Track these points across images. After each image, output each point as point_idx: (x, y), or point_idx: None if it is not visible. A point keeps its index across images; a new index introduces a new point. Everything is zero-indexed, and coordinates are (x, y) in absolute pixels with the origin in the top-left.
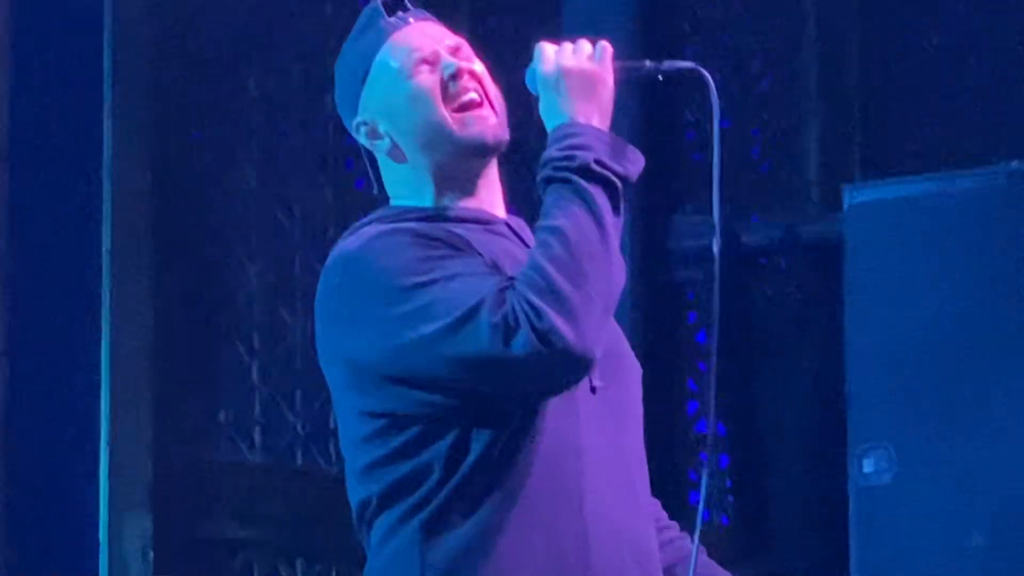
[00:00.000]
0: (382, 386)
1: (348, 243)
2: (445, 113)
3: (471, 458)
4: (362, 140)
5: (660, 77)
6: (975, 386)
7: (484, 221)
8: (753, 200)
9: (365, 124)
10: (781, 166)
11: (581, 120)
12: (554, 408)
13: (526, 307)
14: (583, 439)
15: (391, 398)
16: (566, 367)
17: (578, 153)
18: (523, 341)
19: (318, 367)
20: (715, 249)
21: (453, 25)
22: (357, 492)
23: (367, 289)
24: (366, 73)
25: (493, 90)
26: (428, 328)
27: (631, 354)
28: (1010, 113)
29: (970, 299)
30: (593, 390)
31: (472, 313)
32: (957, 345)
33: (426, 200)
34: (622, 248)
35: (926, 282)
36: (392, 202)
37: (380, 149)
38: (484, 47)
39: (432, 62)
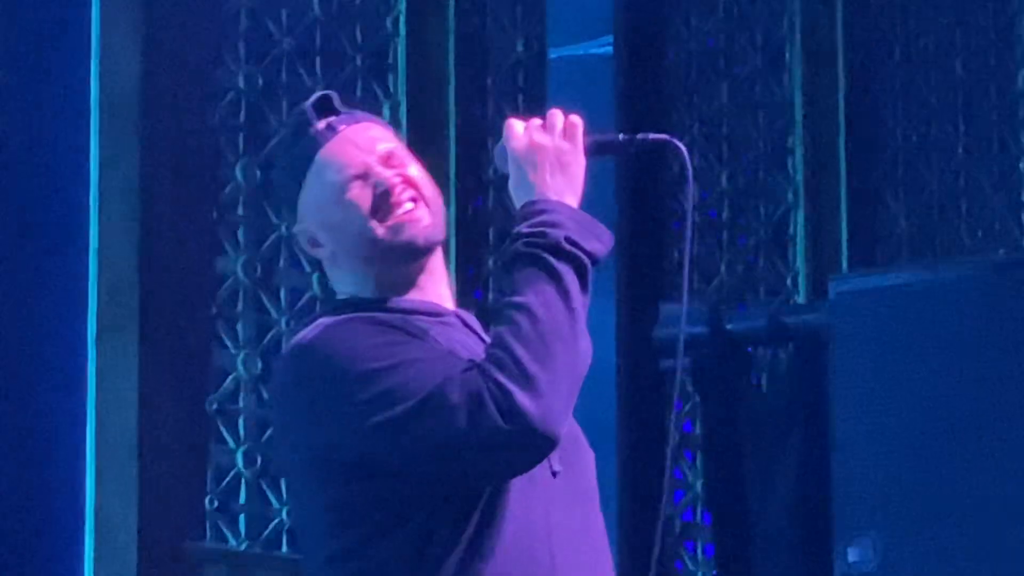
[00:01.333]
0: (345, 475)
1: (302, 335)
2: (377, 227)
3: (438, 546)
4: (304, 246)
5: (633, 150)
6: (961, 476)
7: (435, 313)
8: (740, 289)
9: (304, 231)
10: (768, 255)
11: (552, 196)
12: (519, 491)
13: (492, 386)
14: (550, 521)
15: (354, 487)
16: (531, 446)
17: (549, 230)
18: (489, 420)
19: None
20: (683, 301)
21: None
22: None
23: (327, 377)
24: (300, 185)
25: (429, 190)
26: (392, 412)
27: (584, 440)
28: (995, 205)
29: (956, 389)
30: (554, 474)
31: (436, 394)
32: (943, 435)
33: (365, 293)
34: (601, 333)
35: (912, 372)
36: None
37: (322, 256)
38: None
39: (363, 177)
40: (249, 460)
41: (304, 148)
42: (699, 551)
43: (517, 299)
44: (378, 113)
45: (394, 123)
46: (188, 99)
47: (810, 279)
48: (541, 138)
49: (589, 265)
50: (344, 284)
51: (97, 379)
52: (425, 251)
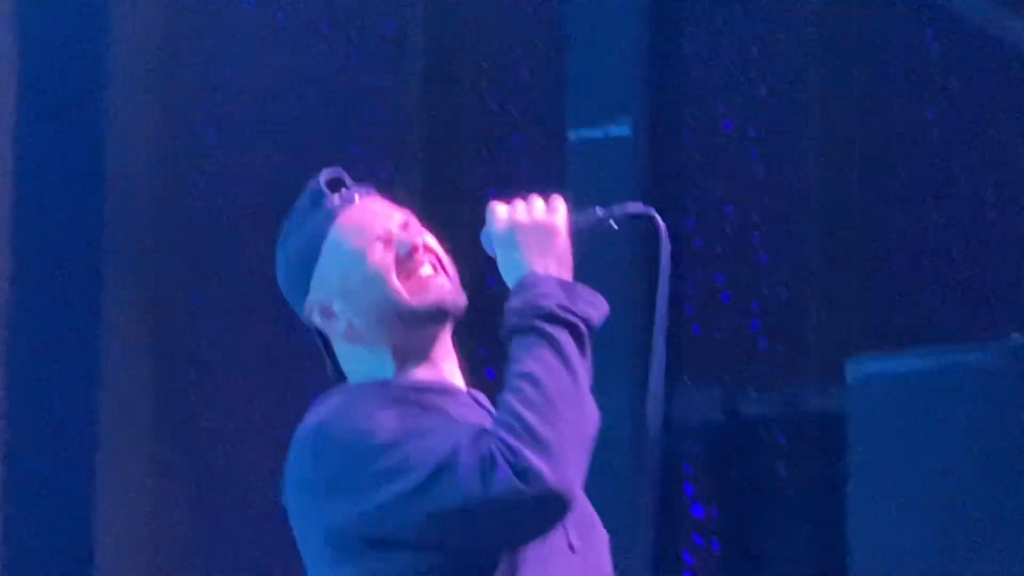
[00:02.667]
0: (362, 552)
1: (314, 415)
2: (401, 288)
3: None
4: (315, 320)
5: (614, 224)
6: (980, 565)
7: (447, 391)
8: (752, 373)
9: (318, 304)
10: (781, 339)
11: (539, 271)
12: (538, 565)
13: (502, 447)
14: None
15: (371, 563)
16: (545, 506)
17: (540, 301)
18: (502, 481)
19: None
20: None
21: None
22: None
23: (340, 454)
24: (316, 255)
25: (446, 259)
26: (406, 484)
27: (599, 521)
28: (1014, 286)
29: (976, 475)
30: (572, 549)
31: (449, 461)
32: (962, 522)
33: (387, 375)
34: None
35: (931, 456)
36: (351, 380)
37: (335, 330)
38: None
39: (385, 240)
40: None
41: (320, 220)
42: None
43: (519, 368)
44: (394, 193)
45: (410, 203)
46: (205, 178)
47: (826, 361)
48: (523, 217)
49: (584, 330)
50: (355, 361)
51: (107, 463)
52: (451, 315)
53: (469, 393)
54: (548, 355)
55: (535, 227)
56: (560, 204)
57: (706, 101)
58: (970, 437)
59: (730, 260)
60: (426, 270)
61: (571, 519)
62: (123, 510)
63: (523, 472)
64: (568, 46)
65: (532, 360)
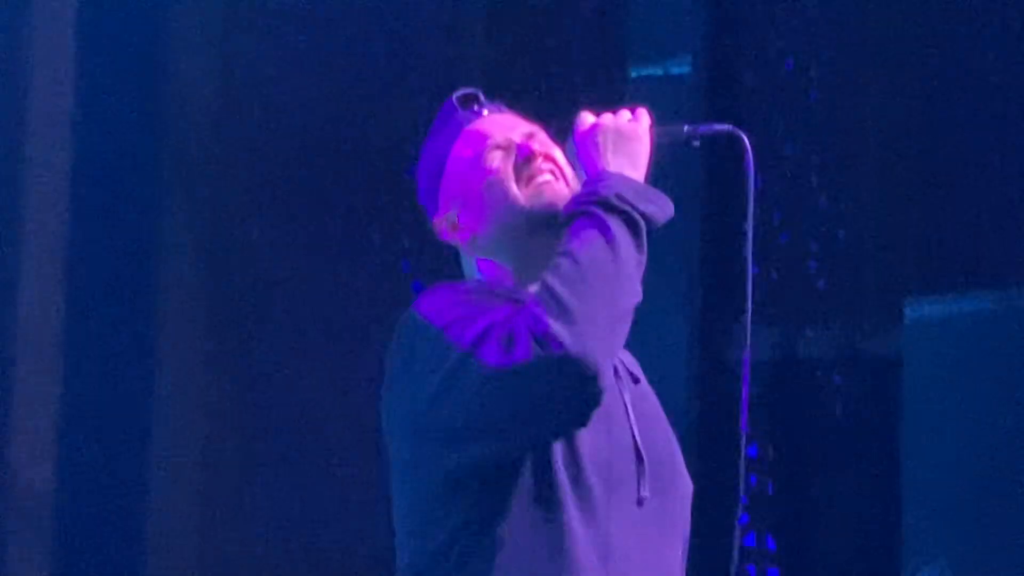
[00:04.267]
0: (428, 440)
1: (408, 311)
2: (517, 192)
3: (492, 533)
4: (444, 235)
5: (697, 142)
6: None
7: None
8: (810, 314)
9: (446, 217)
10: (839, 280)
11: (612, 169)
12: (600, 508)
13: (528, 317)
14: (626, 545)
15: (440, 450)
16: (565, 370)
17: (602, 190)
18: (523, 346)
19: None
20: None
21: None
22: (404, 554)
23: (410, 346)
24: (442, 168)
25: (569, 171)
26: (450, 365)
27: (685, 473)
28: None
29: None
30: (640, 502)
31: (483, 334)
32: (1015, 461)
33: (506, 284)
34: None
35: (985, 398)
36: None
37: (461, 242)
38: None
39: (505, 147)
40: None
41: (448, 132)
42: None
43: (563, 246)
44: None
45: None
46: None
47: (883, 302)
48: (607, 121)
49: (640, 221)
50: (482, 275)
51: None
52: (566, 221)
53: None
54: (594, 236)
55: (617, 131)
56: (644, 115)
57: (767, 40)
58: None
59: (788, 200)
60: (544, 176)
61: (648, 471)
62: (177, 450)
63: (542, 337)
64: None
65: (577, 240)
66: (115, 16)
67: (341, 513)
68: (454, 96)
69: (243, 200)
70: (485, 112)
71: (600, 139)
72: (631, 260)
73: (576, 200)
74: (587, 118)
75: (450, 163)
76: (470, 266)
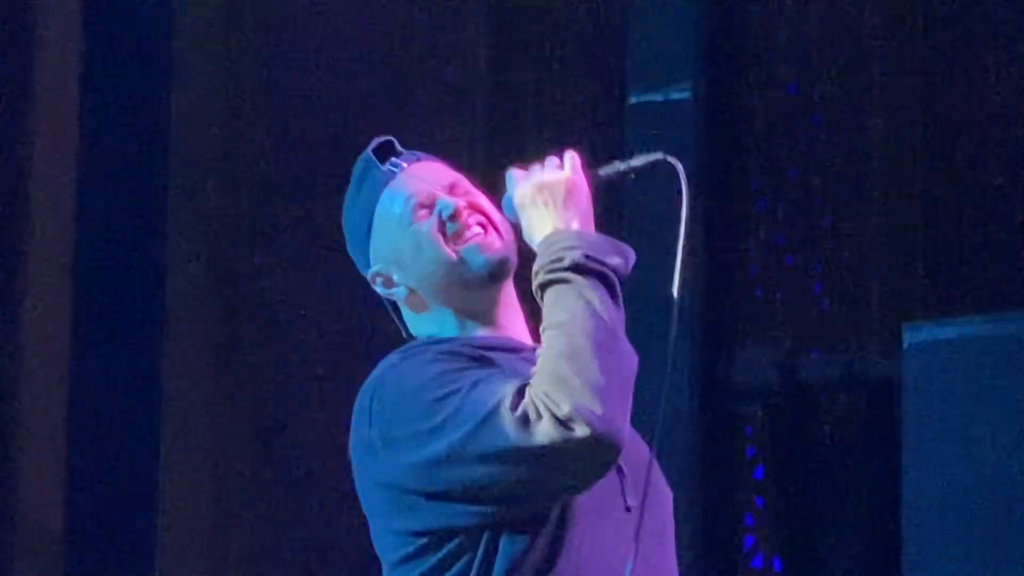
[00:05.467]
0: (416, 504)
1: (375, 373)
2: (449, 252)
3: (503, 571)
4: (379, 290)
5: (632, 175)
6: None
7: (514, 349)
8: (813, 336)
9: (379, 275)
10: (842, 302)
11: (562, 226)
12: (588, 523)
13: (544, 398)
14: (620, 555)
15: (431, 515)
16: (593, 449)
17: (566, 253)
18: (545, 430)
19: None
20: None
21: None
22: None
23: (396, 410)
24: (369, 226)
25: (497, 216)
26: (456, 435)
27: (663, 479)
28: None
29: None
30: (628, 509)
31: (494, 411)
32: (1013, 486)
33: (451, 335)
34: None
35: (985, 423)
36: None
37: (398, 296)
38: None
39: (429, 205)
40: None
41: (370, 189)
42: None
43: (549, 320)
44: (458, 155)
45: (472, 169)
46: (272, 138)
47: (886, 325)
48: (540, 177)
49: (613, 277)
50: (422, 325)
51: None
52: (501, 275)
53: (535, 349)
54: (578, 305)
55: (553, 185)
56: (575, 160)
57: (768, 64)
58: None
59: (793, 223)
60: (473, 231)
61: (629, 480)
62: (187, 468)
63: (566, 420)
64: (631, 9)
65: (563, 311)
66: (121, 24)
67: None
68: (370, 148)
69: (251, 213)
70: (405, 165)
71: (541, 197)
72: (618, 321)
73: (544, 268)
74: (517, 174)
75: (376, 222)
76: (410, 316)
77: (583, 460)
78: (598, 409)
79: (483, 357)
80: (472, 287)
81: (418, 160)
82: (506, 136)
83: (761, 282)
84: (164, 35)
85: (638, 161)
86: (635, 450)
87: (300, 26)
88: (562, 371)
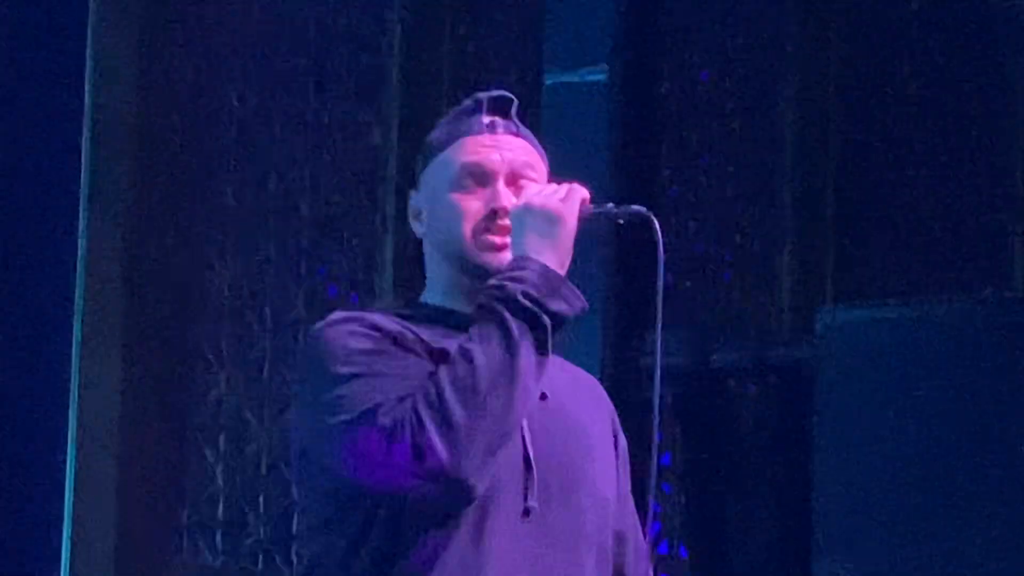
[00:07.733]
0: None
1: (316, 325)
2: (468, 234)
3: (368, 551)
4: (409, 214)
5: (620, 221)
6: (943, 512)
7: (457, 326)
8: (724, 323)
9: (415, 203)
10: (753, 290)
11: (531, 254)
12: (462, 519)
13: (413, 418)
14: (499, 557)
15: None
16: (437, 488)
17: (509, 284)
18: (401, 453)
19: (282, 473)
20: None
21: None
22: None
23: (309, 371)
24: (435, 154)
25: None
26: (334, 419)
27: (596, 480)
28: (984, 241)
29: (939, 424)
30: (526, 512)
31: (368, 413)
32: (925, 470)
33: (432, 286)
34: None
35: (896, 407)
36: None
37: (418, 231)
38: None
39: (482, 182)
40: (228, 476)
41: (458, 128)
42: None
43: (465, 343)
44: (369, 137)
45: (385, 148)
46: (183, 118)
47: (797, 312)
48: (536, 199)
49: (548, 323)
50: (428, 265)
51: (79, 388)
52: (475, 310)
53: None
54: (496, 342)
55: (543, 211)
56: (576, 193)
57: (683, 50)
58: (936, 387)
59: (704, 209)
60: (494, 239)
61: (537, 481)
62: (97, 441)
63: (422, 450)
64: None
65: (479, 341)
66: (37, 28)
67: (265, 497)
68: (489, 94)
69: (165, 210)
70: (498, 130)
71: (528, 218)
72: (530, 368)
73: (489, 291)
74: (529, 190)
75: (442, 158)
76: (426, 251)
77: (427, 491)
78: (457, 452)
79: (414, 335)
80: (464, 269)
81: (516, 135)
82: (422, 118)
83: (671, 268)
84: (80, 26)
85: (629, 210)
86: (567, 454)
87: (215, 12)
88: (443, 400)
